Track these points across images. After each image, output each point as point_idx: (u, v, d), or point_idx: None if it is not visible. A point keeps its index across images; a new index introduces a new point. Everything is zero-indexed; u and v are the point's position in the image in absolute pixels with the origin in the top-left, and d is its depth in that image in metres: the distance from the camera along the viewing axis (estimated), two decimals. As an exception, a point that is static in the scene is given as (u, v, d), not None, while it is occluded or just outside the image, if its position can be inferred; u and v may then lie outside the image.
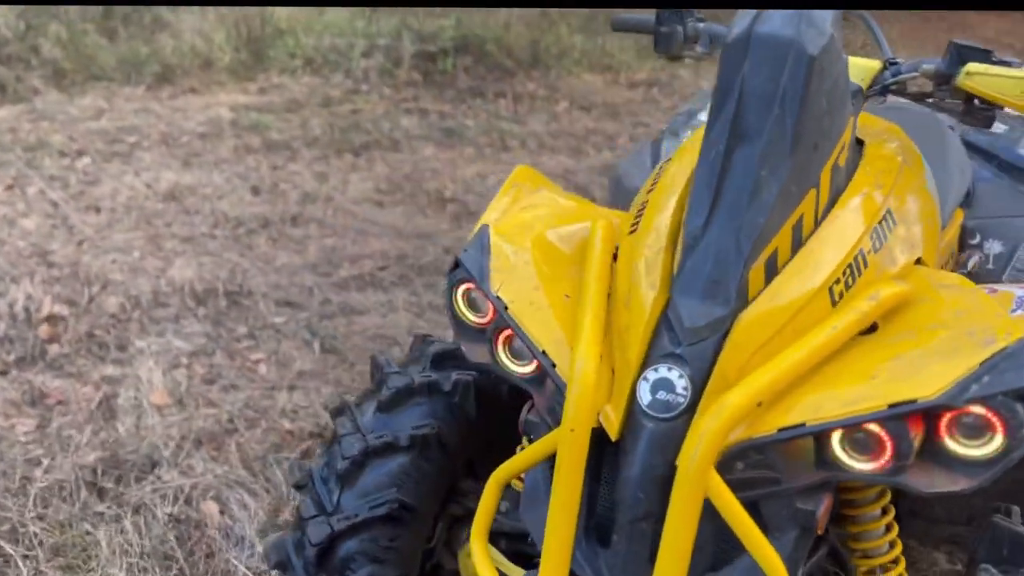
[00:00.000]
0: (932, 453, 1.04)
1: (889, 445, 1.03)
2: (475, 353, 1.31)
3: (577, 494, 1.11)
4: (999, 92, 1.22)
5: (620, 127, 4.81)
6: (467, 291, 1.32)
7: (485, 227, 1.35)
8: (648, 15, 1.59)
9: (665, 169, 1.39)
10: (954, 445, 1.03)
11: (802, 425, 1.05)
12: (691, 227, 1.14)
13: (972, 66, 1.25)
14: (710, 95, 2.39)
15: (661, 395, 1.09)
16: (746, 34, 1.14)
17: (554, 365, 1.18)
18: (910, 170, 1.36)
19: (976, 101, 1.32)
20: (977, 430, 1.02)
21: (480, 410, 1.51)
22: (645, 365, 1.12)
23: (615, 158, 4.37)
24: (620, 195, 2.11)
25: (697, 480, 1.03)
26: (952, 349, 1.06)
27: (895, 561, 1.22)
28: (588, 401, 1.10)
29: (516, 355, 1.26)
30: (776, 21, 1.14)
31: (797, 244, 1.15)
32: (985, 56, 1.29)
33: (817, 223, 1.18)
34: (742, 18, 1.16)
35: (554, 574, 1.12)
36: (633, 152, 2.22)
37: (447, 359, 1.55)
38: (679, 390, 1.08)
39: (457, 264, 1.33)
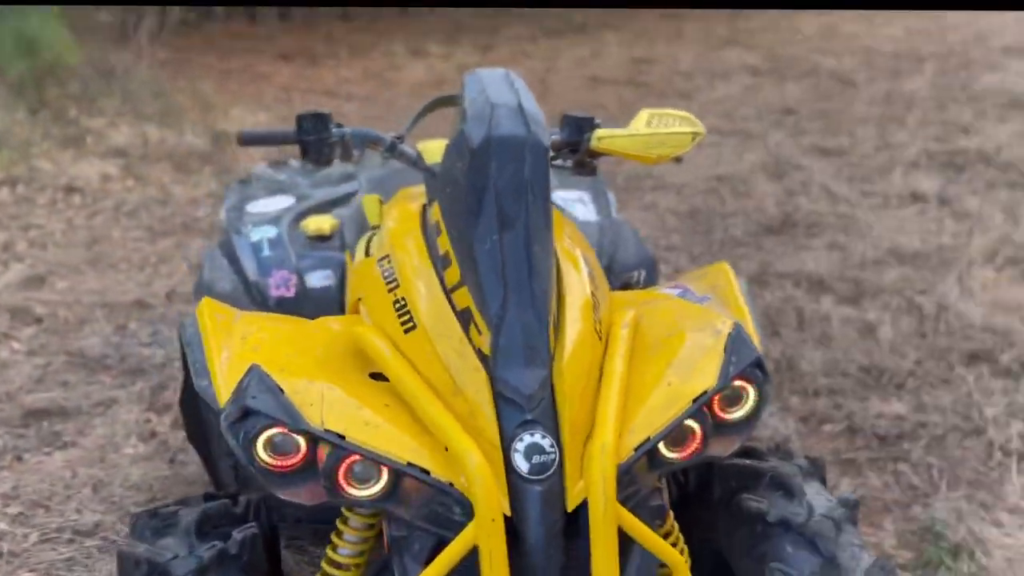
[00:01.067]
0: (716, 427, 1.37)
1: (699, 431, 1.33)
2: (301, 495, 1.28)
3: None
4: (625, 150, 1.59)
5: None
6: (270, 437, 1.27)
7: (256, 367, 1.30)
8: (286, 127, 1.61)
9: (391, 268, 1.47)
10: (725, 415, 1.37)
11: (648, 440, 1.29)
12: (493, 309, 1.29)
13: (600, 132, 1.60)
14: (243, 187, 2.45)
15: (536, 459, 1.23)
16: (487, 138, 1.31)
17: (427, 471, 1.23)
18: (561, 216, 1.67)
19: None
20: (735, 399, 1.38)
21: (266, 554, 1.44)
22: (504, 439, 1.25)
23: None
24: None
25: (612, 516, 1.21)
26: (700, 345, 1.40)
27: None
28: (495, 489, 1.20)
29: (360, 479, 1.26)
30: (508, 124, 1.33)
31: (559, 300, 1.38)
32: (591, 122, 1.64)
33: (557, 280, 1.42)
34: (476, 125, 1.33)
35: None
36: (207, 259, 2.17)
37: (207, 522, 1.43)
38: (548, 449, 1.24)
39: (247, 413, 1.26)
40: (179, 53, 8.25)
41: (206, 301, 1.51)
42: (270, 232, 2.16)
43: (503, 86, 1.41)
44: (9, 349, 3.27)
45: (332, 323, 1.50)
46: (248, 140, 1.64)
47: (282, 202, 2.27)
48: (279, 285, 2.07)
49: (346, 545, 1.45)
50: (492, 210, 1.31)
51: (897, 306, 3.50)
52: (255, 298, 2.06)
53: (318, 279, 2.09)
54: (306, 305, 2.02)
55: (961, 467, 2.59)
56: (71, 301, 3.62)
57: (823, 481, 1.64)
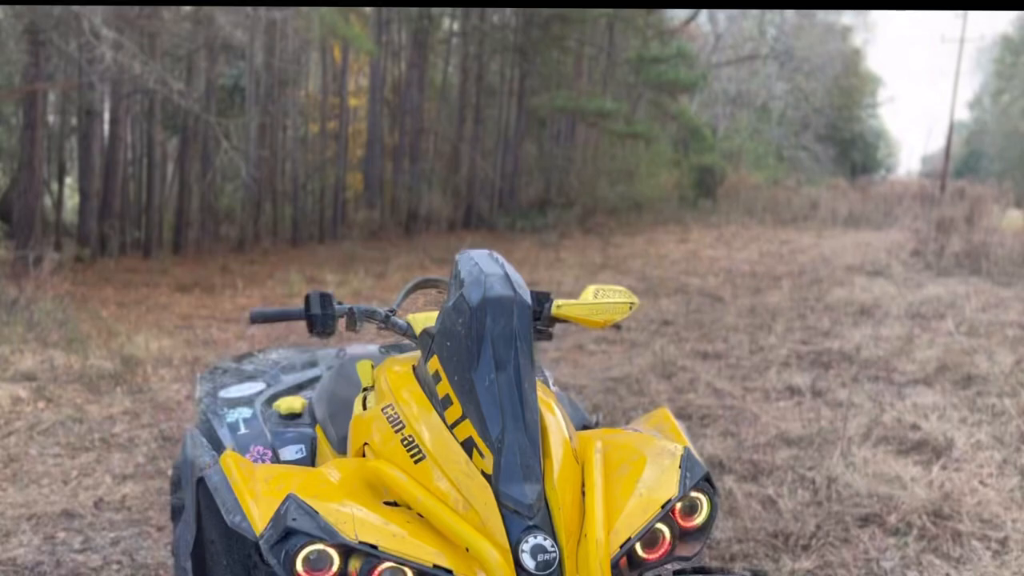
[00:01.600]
0: (680, 533, 1.62)
1: (667, 533, 1.59)
2: (334, 605, 1.45)
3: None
4: (579, 315, 1.92)
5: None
6: (307, 555, 1.45)
7: (293, 495, 1.50)
8: (294, 306, 1.87)
9: (396, 414, 1.71)
10: (685, 523, 1.64)
11: (629, 539, 1.54)
12: (494, 436, 1.55)
13: (559, 301, 1.93)
14: (212, 376, 2.66)
15: (541, 557, 1.46)
16: (483, 299, 1.62)
17: (450, 571, 1.43)
18: None
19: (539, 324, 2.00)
20: (693, 509, 1.65)
21: None
22: (511, 543, 1.47)
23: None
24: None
25: (608, 601, 1.44)
26: (659, 465, 1.68)
27: None
28: None
29: (389, 582, 1.45)
30: (498, 287, 1.65)
31: (541, 432, 1.65)
32: (548, 296, 1.98)
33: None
34: (473, 289, 1.64)
35: None
36: (187, 438, 2.32)
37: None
38: (549, 548, 1.48)
39: (288, 533, 1.45)
40: (78, 287, 8.40)
41: (229, 453, 1.70)
42: (245, 413, 2.35)
43: (490, 261, 1.74)
44: (-68, 565, 3.20)
45: (339, 467, 1.71)
46: (259, 318, 1.89)
47: (254, 387, 2.48)
48: (255, 459, 2.25)
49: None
50: (489, 355, 1.60)
51: (791, 480, 3.85)
52: (234, 472, 2.22)
53: (291, 453, 2.28)
54: (281, 476, 2.20)
55: (870, 612, 2.86)
56: (-6, 516, 3.59)
57: (767, 589, 1.89)
